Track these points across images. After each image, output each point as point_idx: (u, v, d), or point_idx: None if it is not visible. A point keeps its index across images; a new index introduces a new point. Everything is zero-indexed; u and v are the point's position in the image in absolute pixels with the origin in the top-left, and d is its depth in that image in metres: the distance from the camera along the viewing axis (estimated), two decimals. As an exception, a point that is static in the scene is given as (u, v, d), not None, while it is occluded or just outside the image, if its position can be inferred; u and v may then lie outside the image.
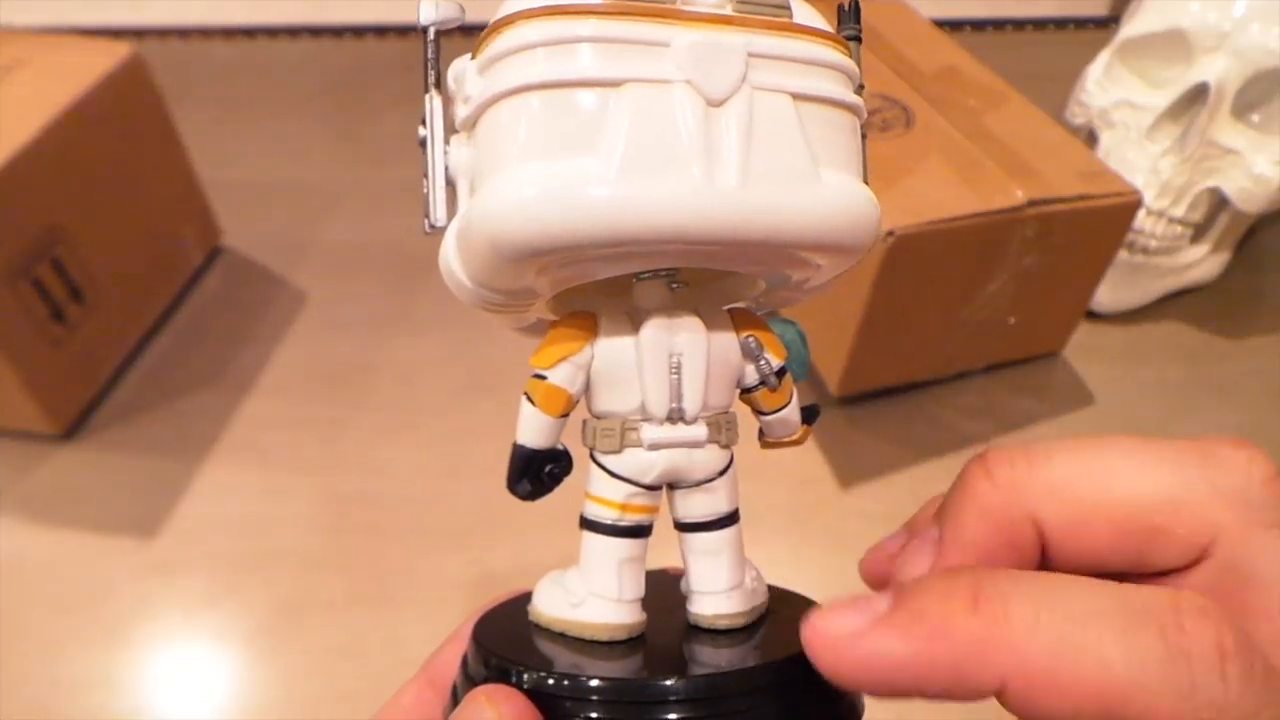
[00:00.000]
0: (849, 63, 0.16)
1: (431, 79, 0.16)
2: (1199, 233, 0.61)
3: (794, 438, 0.20)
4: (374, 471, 0.51)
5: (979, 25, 0.96)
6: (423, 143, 0.16)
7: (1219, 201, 0.58)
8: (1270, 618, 0.13)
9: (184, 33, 0.91)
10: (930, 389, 0.56)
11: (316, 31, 0.92)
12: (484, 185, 0.15)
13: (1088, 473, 0.14)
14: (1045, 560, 0.15)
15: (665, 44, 0.15)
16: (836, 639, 0.14)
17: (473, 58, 0.16)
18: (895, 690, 0.14)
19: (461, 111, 0.16)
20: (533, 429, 0.18)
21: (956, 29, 0.94)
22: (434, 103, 0.16)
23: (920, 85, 0.56)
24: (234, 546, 0.47)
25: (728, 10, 0.15)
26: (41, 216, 0.49)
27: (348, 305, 0.62)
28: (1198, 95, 0.57)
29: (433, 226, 0.16)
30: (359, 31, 0.92)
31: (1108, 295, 0.60)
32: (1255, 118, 0.57)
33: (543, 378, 0.17)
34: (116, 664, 0.42)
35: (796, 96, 0.15)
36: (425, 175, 0.16)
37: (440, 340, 0.59)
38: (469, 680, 0.18)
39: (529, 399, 0.17)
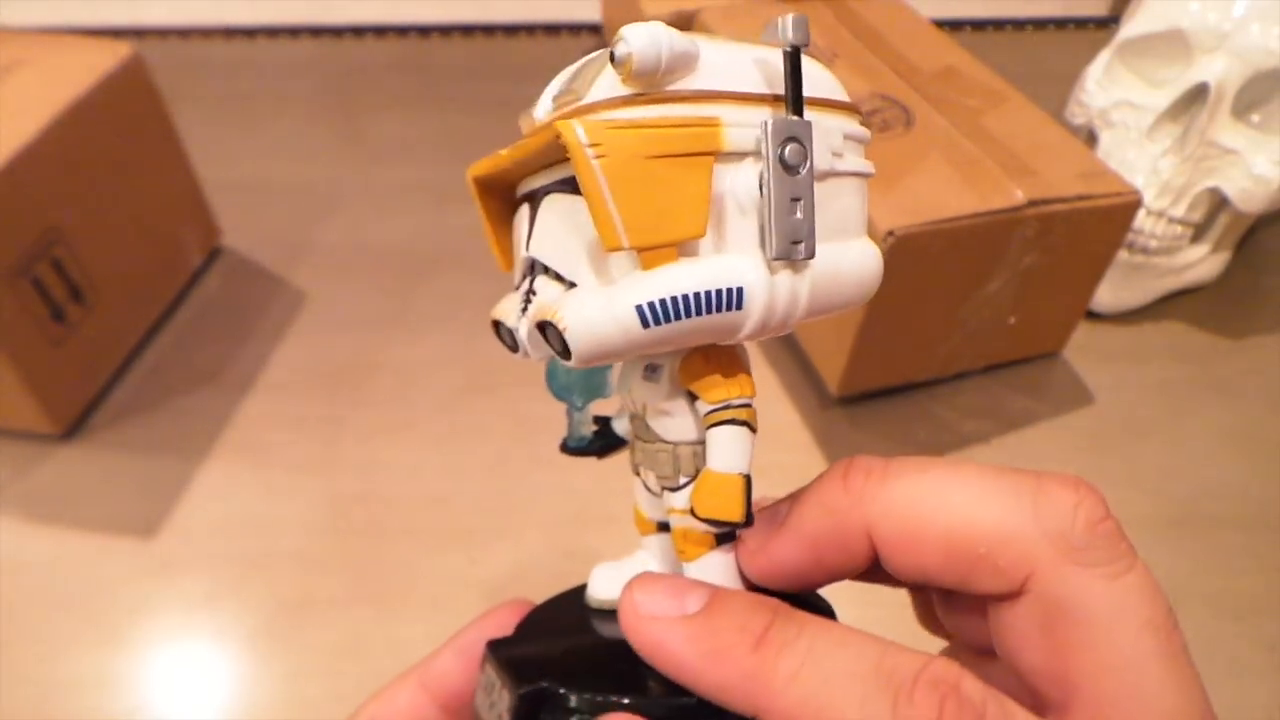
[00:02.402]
0: None
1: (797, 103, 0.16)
2: (1199, 233, 0.61)
3: None
4: (374, 471, 0.51)
5: (979, 25, 0.96)
6: (804, 169, 0.15)
7: (1219, 201, 0.58)
8: (1091, 649, 0.14)
9: (184, 33, 0.92)
10: (930, 389, 0.56)
11: (316, 31, 0.92)
12: (840, 242, 0.17)
13: (924, 497, 0.16)
14: (879, 566, 0.17)
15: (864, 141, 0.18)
16: (642, 617, 0.16)
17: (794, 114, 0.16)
18: (674, 677, 0.15)
19: (830, 160, 0.16)
20: (752, 454, 0.17)
21: (956, 29, 0.94)
22: (814, 127, 0.16)
23: (920, 85, 0.56)
24: (234, 546, 0.47)
25: None
26: (41, 216, 0.49)
27: (348, 305, 0.62)
28: (1198, 95, 0.57)
29: (803, 255, 0.16)
30: (359, 31, 0.92)
31: (1108, 295, 0.60)
32: (1255, 118, 0.57)
33: (750, 404, 0.17)
34: (116, 664, 0.42)
35: None
36: (778, 198, 0.15)
37: (440, 340, 0.59)
38: None
39: (750, 427, 0.17)
